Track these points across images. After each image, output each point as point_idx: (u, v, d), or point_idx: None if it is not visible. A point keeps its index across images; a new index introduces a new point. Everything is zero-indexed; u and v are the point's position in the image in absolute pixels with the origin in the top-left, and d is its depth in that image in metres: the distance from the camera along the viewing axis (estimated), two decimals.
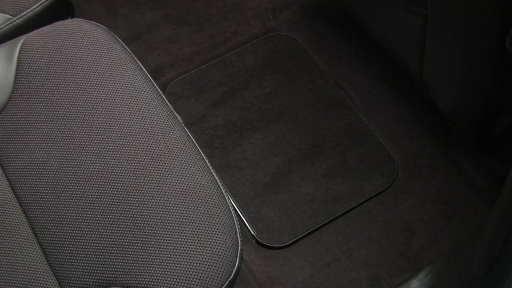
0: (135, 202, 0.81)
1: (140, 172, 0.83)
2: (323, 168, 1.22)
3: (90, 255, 0.80)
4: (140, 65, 0.93)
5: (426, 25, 0.95)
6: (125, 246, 0.79)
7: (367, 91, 1.29)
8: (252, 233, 1.15)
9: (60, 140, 0.87)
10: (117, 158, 0.84)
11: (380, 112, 1.27)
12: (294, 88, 1.31)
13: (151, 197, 0.81)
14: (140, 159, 0.84)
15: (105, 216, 0.81)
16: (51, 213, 0.83)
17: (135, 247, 0.79)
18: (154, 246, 0.78)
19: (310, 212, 1.17)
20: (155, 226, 0.79)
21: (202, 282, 0.76)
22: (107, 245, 0.79)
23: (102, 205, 0.82)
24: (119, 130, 0.86)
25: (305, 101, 1.30)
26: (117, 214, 0.81)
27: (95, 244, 0.80)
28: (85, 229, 0.81)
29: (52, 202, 0.84)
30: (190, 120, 1.27)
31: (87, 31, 0.94)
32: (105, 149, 0.85)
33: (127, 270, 0.78)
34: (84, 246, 0.80)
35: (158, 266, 0.77)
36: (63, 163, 0.85)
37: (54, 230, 0.82)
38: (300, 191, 1.19)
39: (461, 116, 1.07)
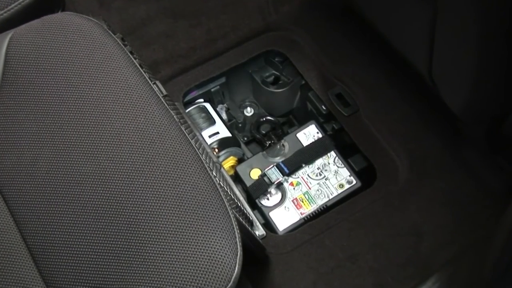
0: (129, 205, 0.81)
1: (134, 174, 0.83)
2: None
3: (82, 261, 0.80)
4: (134, 61, 0.92)
5: (435, 16, 0.95)
6: (118, 252, 0.79)
7: (373, 88, 1.29)
8: None
9: (50, 140, 0.87)
10: (110, 159, 0.84)
11: (387, 110, 1.27)
12: None
13: (146, 200, 0.81)
14: (134, 160, 0.84)
15: (98, 220, 0.81)
16: (40, 217, 0.83)
17: (129, 252, 0.79)
18: (149, 251, 0.78)
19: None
20: (150, 230, 0.79)
21: None
22: (100, 250, 0.79)
23: (94, 208, 0.82)
24: (112, 129, 0.86)
25: None
26: (110, 218, 0.81)
27: (87, 250, 0.80)
28: (76, 234, 0.81)
29: (42, 205, 0.84)
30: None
31: (79, 25, 0.94)
32: (97, 150, 0.85)
33: (121, 276, 0.78)
34: (75, 252, 0.80)
35: (153, 273, 0.77)
36: (53, 164, 0.85)
37: (44, 235, 0.82)
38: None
39: (473, 114, 1.07)
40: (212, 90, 1.34)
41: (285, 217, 1.18)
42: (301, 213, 1.18)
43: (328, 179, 1.20)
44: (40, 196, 0.84)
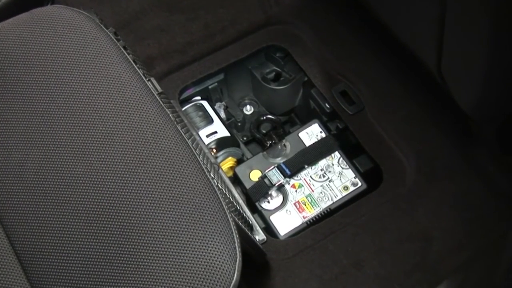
0: (122, 208, 0.81)
1: (127, 175, 0.82)
2: None
3: (72, 267, 0.79)
4: (128, 56, 0.92)
5: (444, 10, 0.95)
6: (111, 257, 0.79)
7: (379, 85, 1.29)
8: None
9: (39, 139, 0.86)
10: (102, 159, 0.84)
11: (394, 108, 1.26)
12: None
13: (140, 203, 0.81)
14: (128, 161, 0.83)
15: (89, 224, 0.81)
16: (29, 220, 0.83)
17: (122, 258, 0.79)
18: (143, 257, 0.78)
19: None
20: (144, 235, 0.79)
21: None
22: (91, 256, 0.79)
23: (86, 211, 0.81)
24: (104, 128, 0.86)
25: None
26: (102, 222, 0.80)
27: (77, 255, 0.80)
28: (66, 238, 0.81)
29: (30, 208, 0.83)
30: None
31: (69, 19, 0.94)
32: (88, 150, 0.84)
33: (113, 283, 0.78)
34: (65, 257, 0.80)
35: (147, 279, 0.77)
36: (43, 165, 0.85)
37: (33, 240, 0.82)
38: None
39: (484, 113, 1.07)
40: (210, 87, 1.34)
41: (286, 221, 1.18)
42: (303, 216, 1.18)
43: (332, 181, 1.20)
44: (28, 198, 0.84)
